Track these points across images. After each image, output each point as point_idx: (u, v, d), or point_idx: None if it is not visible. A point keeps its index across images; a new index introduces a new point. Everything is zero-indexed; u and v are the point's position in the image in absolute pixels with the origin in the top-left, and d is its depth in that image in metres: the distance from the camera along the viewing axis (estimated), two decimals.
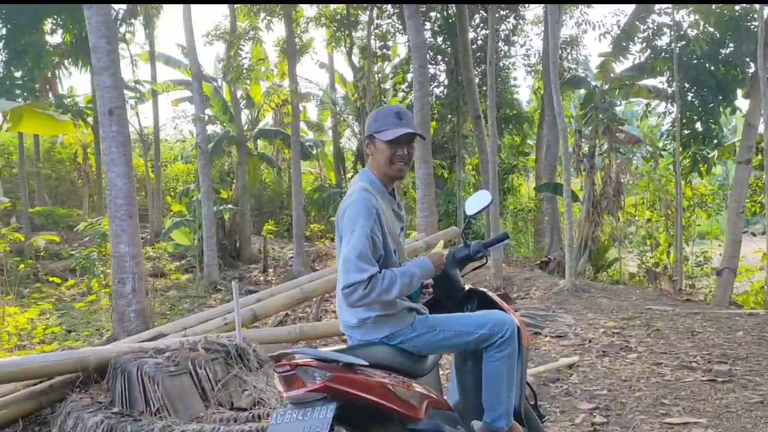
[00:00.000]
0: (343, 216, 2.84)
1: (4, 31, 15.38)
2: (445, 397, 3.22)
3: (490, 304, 3.47)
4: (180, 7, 14.53)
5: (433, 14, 18.71)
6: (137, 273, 6.60)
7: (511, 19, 18.40)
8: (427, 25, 19.19)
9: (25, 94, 15.59)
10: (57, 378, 4.31)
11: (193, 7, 14.08)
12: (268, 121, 24.48)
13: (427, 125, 9.91)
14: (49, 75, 18.03)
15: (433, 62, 19.43)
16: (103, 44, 6.61)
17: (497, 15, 16.65)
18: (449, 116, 19.26)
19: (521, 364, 3.41)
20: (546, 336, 7.29)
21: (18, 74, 15.62)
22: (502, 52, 18.45)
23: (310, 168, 28.76)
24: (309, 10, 21.33)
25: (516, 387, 3.35)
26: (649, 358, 6.17)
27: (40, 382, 4.32)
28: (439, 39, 18.91)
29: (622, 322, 7.75)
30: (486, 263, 3.68)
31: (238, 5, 18.02)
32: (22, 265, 12.33)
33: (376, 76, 20.56)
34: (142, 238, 18.69)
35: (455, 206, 18.49)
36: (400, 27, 18.98)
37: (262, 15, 16.88)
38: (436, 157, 21.01)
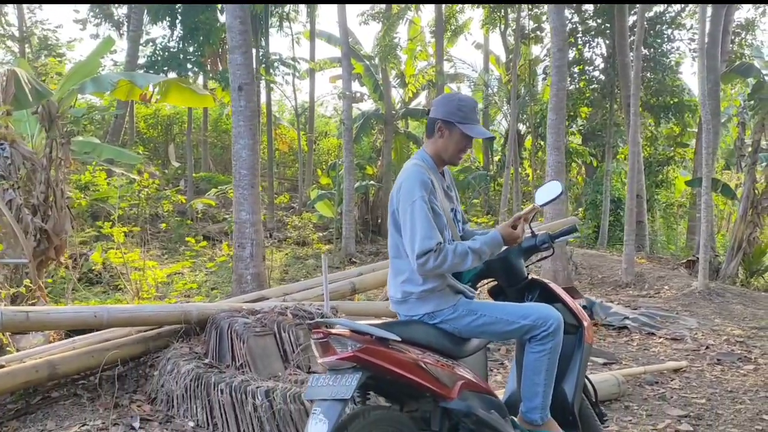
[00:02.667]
0: (399, 189, 2.91)
1: (180, 9, 16.71)
2: (490, 382, 3.27)
3: (552, 296, 3.45)
4: None
5: None
6: (255, 239, 7.09)
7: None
8: (587, 6, 18.55)
9: (195, 68, 16.93)
10: (164, 327, 4.82)
11: None
12: (420, 100, 24.76)
13: (561, 111, 9.63)
14: (220, 51, 19.39)
15: (590, 45, 18.77)
16: (237, 24, 7.11)
17: None
18: (603, 102, 18.49)
19: (581, 360, 3.38)
20: (660, 338, 6.96)
21: (190, 50, 16.94)
22: (665, 36, 17.32)
23: None
24: None
25: (573, 382, 3.33)
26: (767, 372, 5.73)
27: (151, 329, 4.85)
28: (599, 21, 18.13)
29: (750, 331, 7.21)
30: (552, 254, 3.64)
31: None
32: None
33: (526, 58, 20.10)
34: (291, 208, 19.94)
35: (602, 196, 17.75)
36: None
37: None
38: (587, 144, 20.31)
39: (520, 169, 20.82)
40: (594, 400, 3.58)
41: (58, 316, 4.41)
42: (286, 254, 14.81)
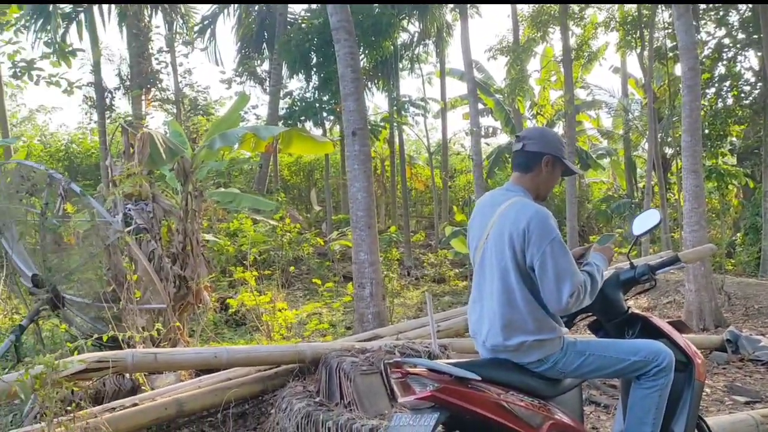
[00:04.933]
0: (529, 226, 2.76)
1: (314, 62, 17.67)
2: (586, 423, 3.13)
3: (655, 331, 3.27)
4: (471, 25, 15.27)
5: (741, 5, 16.96)
6: (375, 279, 7.25)
7: None
8: (733, 17, 17.47)
9: (330, 116, 17.74)
10: (281, 367, 5.03)
11: (478, 23, 14.65)
12: (558, 130, 24.29)
13: (696, 132, 9.09)
14: None
15: (737, 59, 17.62)
16: (348, 73, 7.42)
17: None
18: (757, 118, 17.18)
19: (692, 399, 3.19)
20: None
21: (325, 98, 17.81)
22: None
23: (602, 177, 27.81)
24: (600, 16, 20.80)
25: (683, 422, 3.15)
26: None
27: (269, 369, 5.09)
28: (745, 33, 16.98)
29: None
30: (653, 286, 3.45)
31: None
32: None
33: (667, 79, 19.16)
34: (429, 245, 20.10)
35: (762, 219, 16.36)
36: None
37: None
38: (742, 164, 18.89)
39: (668, 194, 19.75)
40: None
41: (182, 357, 4.76)
42: (423, 292, 14.91)
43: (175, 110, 19.24)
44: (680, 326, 3.43)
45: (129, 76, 18.57)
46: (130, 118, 16.76)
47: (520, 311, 2.81)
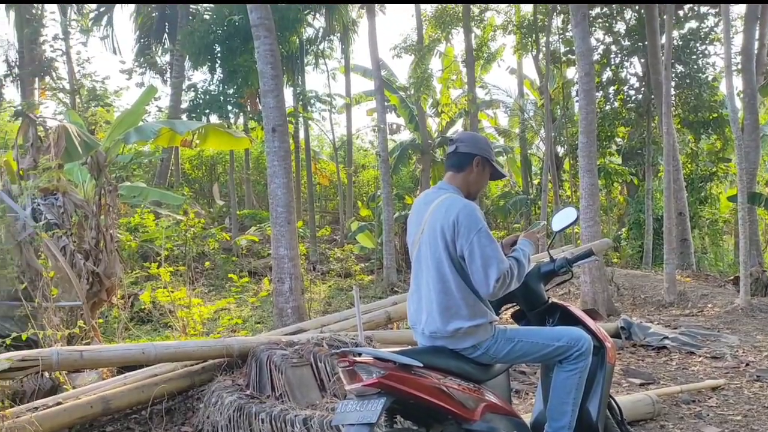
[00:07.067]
0: (455, 223, 2.99)
1: (219, 54, 17.35)
2: (516, 404, 3.40)
3: (572, 319, 3.57)
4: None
5: (628, 14, 18.11)
6: (294, 274, 7.36)
7: (712, 16, 17.18)
8: (620, 26, 18.61)
9: (236, 110, 17.51)
10: (209, 361, 5.06)
11: (383, 22, 14.92)
12: (457, 128, 25.00)
13: (591, 134, 9.73)
14: (258, 92, 20.02)
15: (624, 65, 18.81)
16: (268, 70, 7.48)
17: (681, 13, 15.70)
18: (641, 121, 18.42)
19: (604, 380, 3.48)
20: (700, 356, 6.93)
21: (230, 92, 17.53)
22: (699, 52, 17.24)
23: None
24: (498, 18, 21.63)
25: (596, 401, 3.44)
26: None
27: (196, 364, 5.11)
28: (631, 41, 18.17)
29: None
30: (570, 278, 3.77)
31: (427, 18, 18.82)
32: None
33: (560, 81, 20.20)
34: (334, 240, 20.25)
35: (645, 215, 17.58)
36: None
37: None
38: (626, 164, 20.18)
39: (560, 191, 20.80)
40: (620, 418, 3.66)
41: (109, 353, 4.70)
42: (330, 286, 15.05)
43: (68, 100, 18.39)
44: (593, 314, 3.77)
45: (17, 63, 17.62)
46: (20, 107, 15.86)
47: (455, 297, 3.03)
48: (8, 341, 5.11)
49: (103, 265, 6.84)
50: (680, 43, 17.24)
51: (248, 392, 4.63)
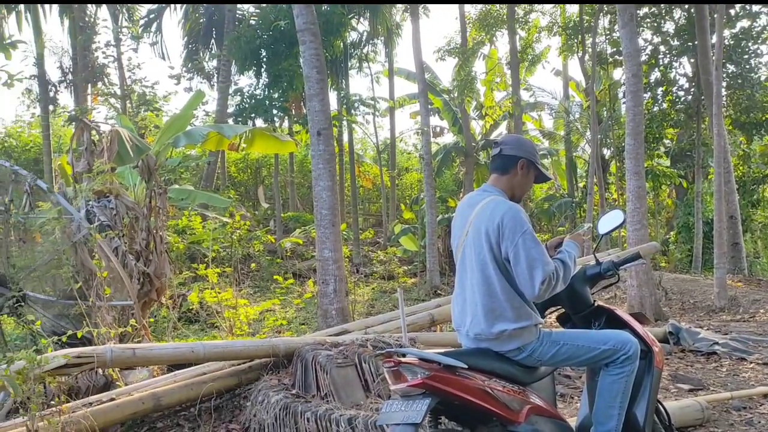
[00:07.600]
0: (500, 226, 2.99)
1: (264, 58, 17.62)
2: (570, 409, 3.39)
3: (619, 322, 3.54)
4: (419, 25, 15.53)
5: (677, 13, 17.79)
6: (338, 276, 7.44)
7: (765, 15, 16.73)
8: (669, 26, 18.27)
9: (281, 113, 17.73)
10: (255, 361, 5.16)
11: (426, 25, 14.97)
12: (501, 131, 24.86)
13: (639, 136, 9.58)
14: (303, 96, 20.21)
15: (673, 65, 18.45)
16: (313, 74, 7.58)
17: (732, 12, 15.30)
18: (690, 122, 18.05)
19: (651, 384, 3.44)
20: (752, 363, 6.76)
21: (275, 96, 17.77)
22: (751, 51, 16.80)
23: None
24: (543, 20, 21.44)
25: (644, 406, 3.40)
26: None
27: (243, 363, 5.21)
28: (680, 41, 17.81)
29: None
30: (617, 282, 3.74)
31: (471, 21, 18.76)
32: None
33: (607, 83, 19.91)
34: (377, 243, 20.32)
35: (694, 219, 17.22)
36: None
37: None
38: (675, 166, 19.77)
39: (606, 194, 20.50)
40: (667, 423, 3.61)
41: (160, 352, 4.83)
42: (373, 288, 15.10)
43: (119, 105, 18.89)
44: (640, 318, 3.73)
45: (71, 69, 18.14)
46: (74, 113, 16.36)
47: (500, 300, 3.03)
48: (64, 339, 5.27)
49: (153, 265, 7.02)
50: (731, 42, 16.84)
51: (294, 391, 4.70)
